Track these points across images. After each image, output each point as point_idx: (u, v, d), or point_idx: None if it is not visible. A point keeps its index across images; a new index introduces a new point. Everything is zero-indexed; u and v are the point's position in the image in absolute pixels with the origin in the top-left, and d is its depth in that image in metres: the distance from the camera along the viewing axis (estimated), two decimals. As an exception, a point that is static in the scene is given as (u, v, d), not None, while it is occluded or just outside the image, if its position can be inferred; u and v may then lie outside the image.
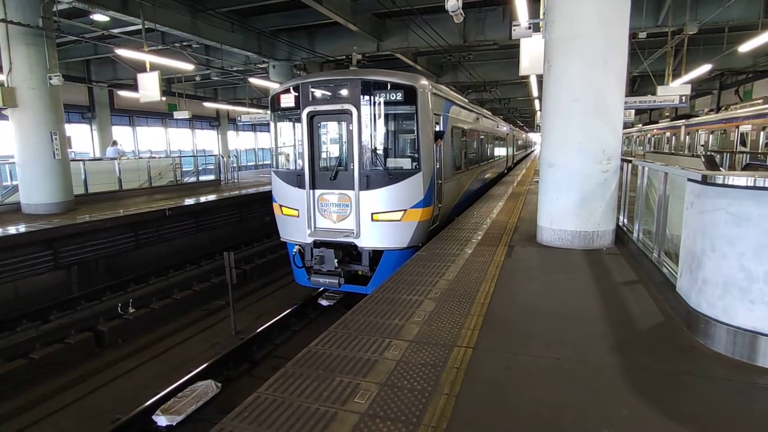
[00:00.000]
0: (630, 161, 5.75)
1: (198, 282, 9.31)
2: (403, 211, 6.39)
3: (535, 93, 17.54)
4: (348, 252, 6.65)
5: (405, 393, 2.50)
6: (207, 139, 29.41)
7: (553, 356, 2.90)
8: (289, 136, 7.25)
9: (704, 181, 2.96)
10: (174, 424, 4.86)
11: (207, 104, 24.65)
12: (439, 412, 2.31)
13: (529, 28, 6.58)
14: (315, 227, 6.79)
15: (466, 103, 10.61)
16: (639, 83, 21.92)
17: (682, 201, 3.33)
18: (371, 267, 6.64)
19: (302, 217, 6.79)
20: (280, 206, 7.09)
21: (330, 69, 15.57)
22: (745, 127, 12.13)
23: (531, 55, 7.22)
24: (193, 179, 16.83)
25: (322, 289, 8.22)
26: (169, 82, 18.82)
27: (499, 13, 12.96)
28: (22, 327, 7.12)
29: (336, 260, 6.51)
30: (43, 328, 6.99)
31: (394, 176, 6.37)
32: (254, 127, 31.53)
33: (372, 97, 6.33)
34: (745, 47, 10.68)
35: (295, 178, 6.87)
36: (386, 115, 6.49)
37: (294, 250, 6.96)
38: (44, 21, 9.37)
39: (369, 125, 6.39)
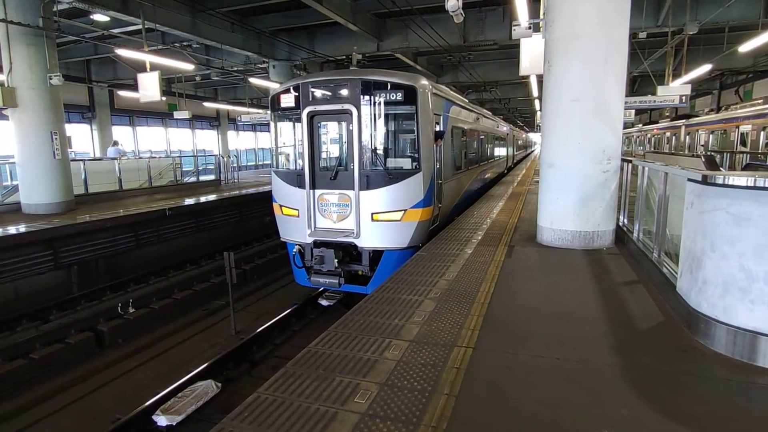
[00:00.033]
0: (630, 161, 5.74)
1: (198, 282, 9.31)
2: (403, 211, 6.39)
3: (535, 93, 17.55)
4: (348, 252, 6.65)
5: (405, 393, 2.50)
6: (207, 139, 29.41)
7: (553, 356, 2.90)
8: (289, 136, 7.25)
9: (704, 181, 2.96)
10: (174, 424, 4.86)
11: (207, 104, 24.66)
12: (439, 412, 2.31)
13: (529, 28, 6.58)
14: (315, 227, 6.79)
15: (466, 103, 10.61)
16: (639, 83, 21.92)
17: (682, 201, 3.33)
18: (371, 267, 6.63)
19: (302, 217, 6.79)
20: (280, 206, 7.09)
21: (330, 69, 15.57)
22: (745, 127, 12.13)
23: (531, 55, 7.22)
24: (193, 179, 16.83)
25: (322, 289, 8.22)
26: (169, 82, 18.83)
27: (499, 13, 12.97)
28: (22, 327, 7.12)
29: (336, 260, 6.51)
30: (43, 328, 7.00)
31: (394, 176, 6.37)
32: (254, 127, 31.54)
33: (372, 97, 6.33)
34: (745, 47, 10.68)
35: (295, 178, 6.87)
36: (386, 115, 6.49)
37: (294, 250, 6.95)
38: (44, 21, 9.37)
39: (369, 125, 6.39)
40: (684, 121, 17.56)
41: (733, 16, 11.05)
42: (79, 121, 20.51)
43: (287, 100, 6.78)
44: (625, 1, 5.17)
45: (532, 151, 46.74)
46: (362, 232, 6.49)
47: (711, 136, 14.87)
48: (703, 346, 2.97)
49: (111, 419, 4.86)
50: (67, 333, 6.87)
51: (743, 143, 12.24)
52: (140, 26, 10.51)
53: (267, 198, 9.19)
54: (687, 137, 17.08)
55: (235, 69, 17.57)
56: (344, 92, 6.44)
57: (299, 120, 6.70)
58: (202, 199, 12.68)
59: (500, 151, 17.79)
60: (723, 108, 19.19)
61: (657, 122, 23.23)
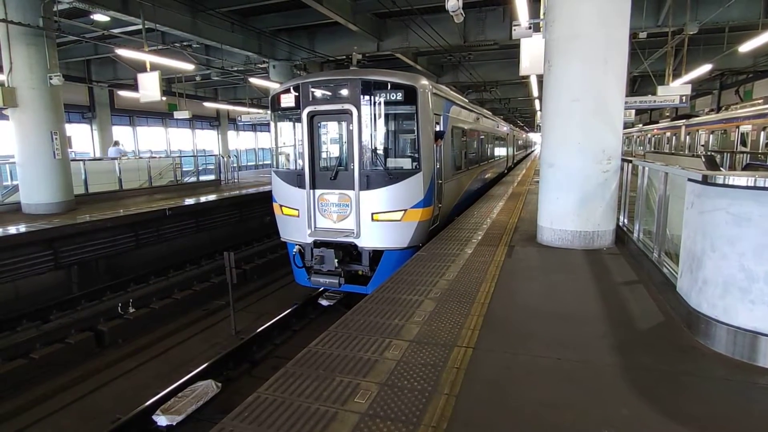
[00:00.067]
0: (630, 161, 5.74)
1: (198, 282, 9.31)
2: (403, 211, 6.39)
3: (535, 93, 17.55)
4: (348, 252, 6.65)
5: (405, 393, 2.50)
6: (207, 139, 29.41)
7: (554, 356, 2.90)
8: (290, 136, 7.25)
9: (704, 181, 2.96)
10: (174, 424, 4.86)
11: (207, 104, 24.66)
12: (440, 412, 2.31)
13: (530, 28, 6.57)
14: (315, 227, 6.78)
15: (466, 103, 10.61)
16: (639, 83, 21.91)
17: (682, 201, 3.33)
18: (371, 267, 6.63)
19: (302, 217, 6.79)
20: (281, 206, 7.09)
21: (330, 69, 15.56)
22: (746, 127, 12.12)
23: (531, 55, 7.22)
24: (193, 179, 16.83)
25: (322, 289, 8.22)
26: (170, 82, 18.84)
27: (499, 13, 12.97)
28: (22, 327, 7.12)
29: (336, 260, 6.51)
30: (43, 328, 7.00)
31: (395, 176, 6.37)
32: (254, 127, 31.55)
33: (372, 97, 6.33)
34: (745, 47, 10.68)
35: (295, 178, 6.86)
36: (386, 115, 6.49)
37: (294, 250, 6.95)
38: (44, 21, 9.38)
39: (369, 125, 6.39)
40: (684, 121, 17.55)
41: (733, 16, 11.05)
42: (80, 121, 20.52)
43: (287, 100, 6.78)
44: (626, 1, 5.17)
45: (532, 151, 46.74)
46: (362, 232, 6.49)
47: (711, 136, 14.87)
48: (703, 346, 2.96)
49: (111, 419, 4.86)
50: (67, 333, 6.87)
51: (743, 143, 12.24)
52: (140, 26, 10.51)
53: (267, 198, 9.20)
54: (687, 137, 17.08)
55: (235, 69, 17.58)
56: (344, 92, 6.44)
57: (299, 120, 6.70)
58: (203, 199, 12.68)
59: (500, 151, 17.79)
60: (723, 108, 19.19)
61: (657, 122, 23.23)
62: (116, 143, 16.80)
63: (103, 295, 8.49)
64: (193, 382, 5.49)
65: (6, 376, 5.84)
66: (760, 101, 14.37)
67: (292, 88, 6.74)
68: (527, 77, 12.67)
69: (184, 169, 16.53)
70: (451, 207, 8.35)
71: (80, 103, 20.19)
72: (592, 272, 4.64)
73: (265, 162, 30.91)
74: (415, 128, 6.48)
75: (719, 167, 10.12)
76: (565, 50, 5.29)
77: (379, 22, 13.75)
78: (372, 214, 6.42)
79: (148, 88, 10.45)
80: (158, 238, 10.56)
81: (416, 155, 6.52)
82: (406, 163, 6.63)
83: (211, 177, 17.34)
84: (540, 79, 8.58)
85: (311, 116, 6.66)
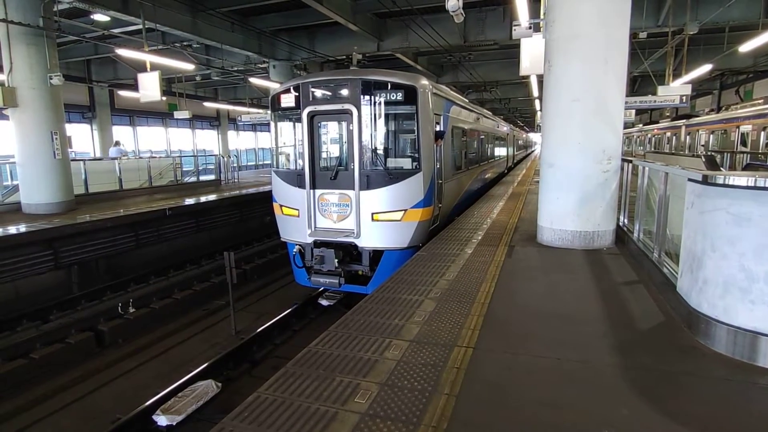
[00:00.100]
0: (630, 161, 5.74)
1: (198, 282, 9.31)
2: (403, 211, 6.38)
3: (535, 93, 17.54)
4: (348, 252, 6.65)
5: (405, 393, 2.50)
6: (207, 139, 29.41)
7: (554, 356, 2.90)
8: (290, 136, 7.25)
9: (705, 181, 2.96)
10: (174, 423, 4.86)
11: (207, 104, 24.66)
12: (440, 412, 2.31)
13: (530, 28, 6.57)
14: (315, 227, 6.78)
15: (466, 103, 10.61)
16: (639, 83, 21.91)
17: (682, 201, 3.33)
18: (371, 267, 6.63)
19: (302, 217, 6.79)
20: (281, 206, 7.09)
21: (330, 69, 15.57)
22: (746, 127, 12.12)
23: (531, 55, 7.22)
24: (193, 179, 16.83)
25: (322, 289, 8.22)
26: (170, 82, 18.82)
27: (499, 13, 12.96)
28: (22, 327, 7.12)
29: (336, 260, 6.51)
30: (43, 328, 7.00)
31: (395, 176, 6.37)
32: (254, 126, 31.56)
33: (372, 96, 6.33)
34: (745, 47, 10.68)
35: (295, 178, 6.86)
36: (386, 115, 6.49)
37: (294, 250, 6.96)
38: (45, 21, 9.38)
39: (369, 125, 6.39)
40: (684, 121, 17.55)
41: (734, 16, 11.05)
42: (80, 121, 20.52)
43: (287, 100, 6.78)
44: (626, 1, 5.17)
45: (532, 151, 46.74)
46: (362, 232, 6.48)
47: (711, 136, 14.86)
48: (703, 346, 2.96)
49: (111, 419, 4.86)
50: (67, 333, 6.87)
51: (743, 143, 12.24)
52: (140, 26, 10.52)
53: (267, 198, 9.20)
54: (687, 137, 17.08)
55: (235, 69, 17.58)
56: (344, 92, 6.43)
57: (299, 120, 6.70)
58: (203, 198, 12.68)
59: (500, 151, 17.79)
60: (723, 108, 19.18)
61: (657, 122, 23.23)
62: (117, 143, 16.81)
63: (103, 295, 8.49)
64: (193, 382, 5.49)
65: (6, 376, 5.84)
66: (760, 101, 14.35)
67: (292, 88, 6.74)
68: (527, 77, 12.67)
69: (184, 169, 16.53)
70: (451, 207, 8.35)
71: (80, 103, 20.19)
72: (593, 272, 4.64)
73: (265, 162, 30.91)
74: (416, 128, 6.47)
75: (719, 167, 10.12)
76: (566, 50, 5.29)
77: (379, 22, 13.74)
78: (372, 214, 6.42)
79: (149, 88, 10.45)
80: (158, 238, 10.55)
81: (416, 155, 6.52)
82: (406, 163, 6.63)
83: (211, 177, 17.33)
84: (540, 79, 8.59)
85: (311, 116, 6.65)
